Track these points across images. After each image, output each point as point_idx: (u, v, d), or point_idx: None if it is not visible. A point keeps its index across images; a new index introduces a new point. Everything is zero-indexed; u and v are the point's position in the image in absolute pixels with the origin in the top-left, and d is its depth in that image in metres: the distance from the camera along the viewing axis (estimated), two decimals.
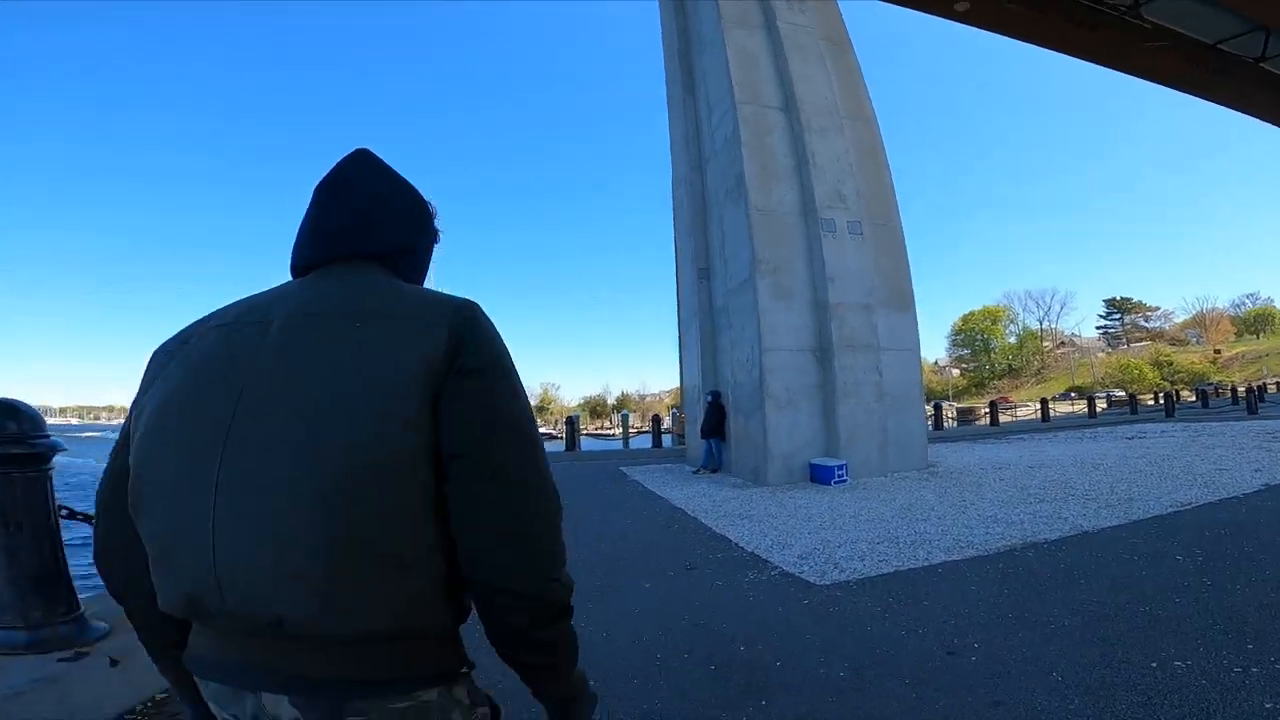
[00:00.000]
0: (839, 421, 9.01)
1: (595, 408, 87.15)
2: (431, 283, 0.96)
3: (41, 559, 2.36)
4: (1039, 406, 24.37)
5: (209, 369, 0.71)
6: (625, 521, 6.48)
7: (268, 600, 0.63)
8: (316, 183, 0.85)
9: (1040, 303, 75.76)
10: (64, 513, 2.59)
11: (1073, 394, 52.70)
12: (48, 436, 2.43)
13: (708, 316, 11.82)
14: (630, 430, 22.84)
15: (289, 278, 0.86)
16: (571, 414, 20.04)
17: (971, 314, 76.25)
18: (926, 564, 4.40)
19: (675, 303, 30.43)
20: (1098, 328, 78.51)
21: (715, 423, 10.68)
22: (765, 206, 9.81)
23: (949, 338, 76.43)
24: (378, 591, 0.65)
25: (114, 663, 2.20)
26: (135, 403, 0.76)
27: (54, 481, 2.51)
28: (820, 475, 8.59)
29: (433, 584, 0.68)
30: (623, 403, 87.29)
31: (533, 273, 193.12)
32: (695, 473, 10.66)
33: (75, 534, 2.65)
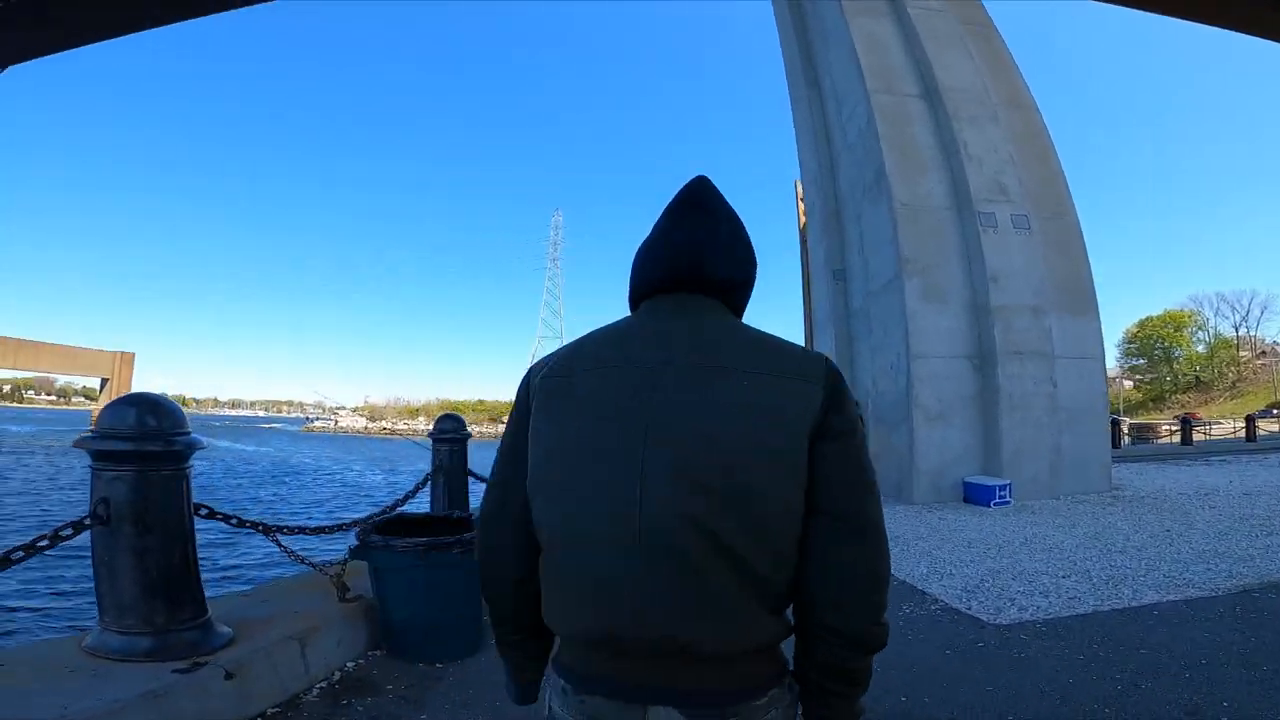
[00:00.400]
0: (1001, 437, 8.09)
1: None
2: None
3: (170, 561, 2.22)
4: (1244, 424, 20.69)
5: (607, 411, 0.80)
6: None
7: (679, 630, 0.74)
8: (684, 192, 0.91)
9: (1235, 307, 64.39)
10: (203, 512, 2.50)
11: (1275, 410, 44.30)
12: (187, 433, 2.31)
13: (843, 321, 11.20)
14: None
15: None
16: None
17: (1150, 319, 66.51)
18: (1134, 604, 3.75)
19: (802, 309, 29.76)
20: None
21: None
22: (910, 201, 9.10)
23: (1120, 346, 67.22)
24: (768, 619, 0.78)
25: (229, 676, 2.14)
26: (532, 430, 0.85)
27: (191, 479, 2.38)
28: (977, 495, 7.75)
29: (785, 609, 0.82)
30: None
31: None
32: None
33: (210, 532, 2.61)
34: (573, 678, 0.82)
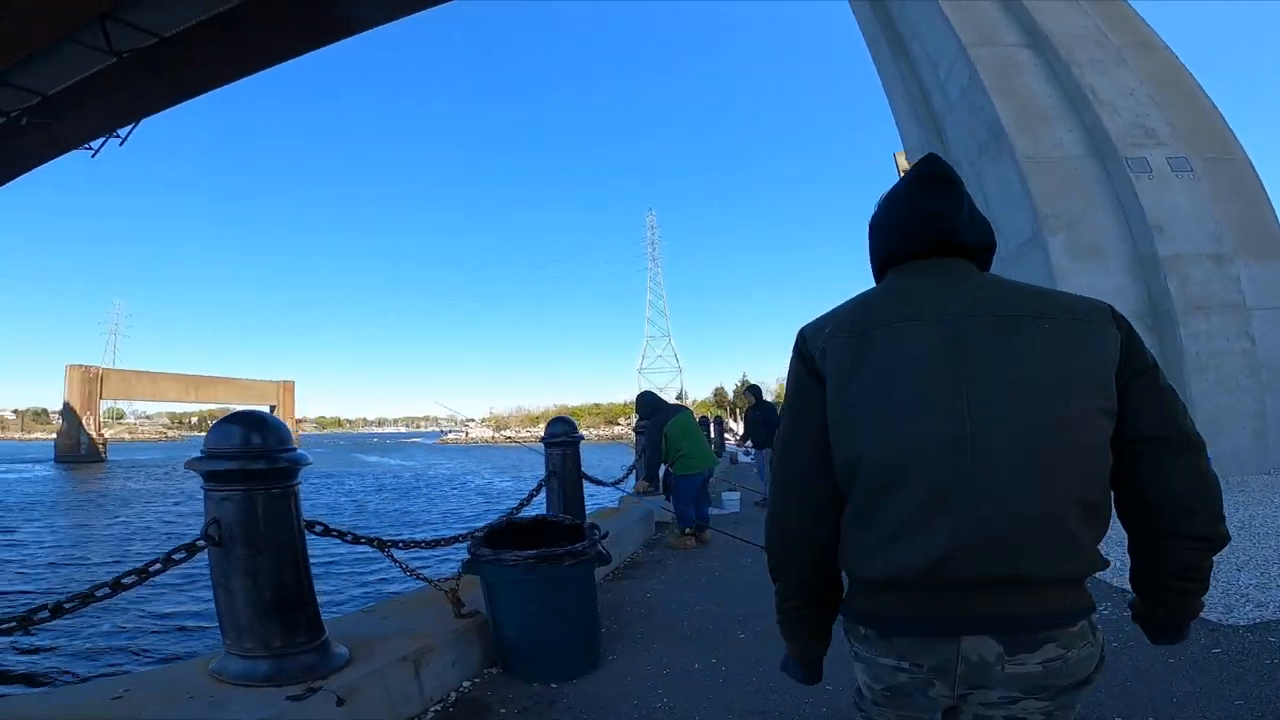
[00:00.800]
0: (1192, 404, 6.82)
1: None
2: None
3: (283, 581, 2.17)
4: None
5: (918, 361, 0.83)
6: None
7: (1011, 555, 0.76)
8: (916, 171, 0.98)
9: None
10: (318, 529, 2.48)
11: None
12: (292, 450, 2.25)
13: None
14: None
15: None
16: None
17: None
18: None
19: None
20: None
21: None
22: (1036, 154, 8.18)
23: None
24: (1093, 545, 0.80)
25: (340, 702, 2.08)
26: (830, 387, 0.87)
27: (300, 498, 2.32)
28: None
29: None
30: None
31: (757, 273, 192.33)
32: None
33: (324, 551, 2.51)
34: (879, 622, 0.85)
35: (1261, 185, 7.89)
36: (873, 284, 1.02)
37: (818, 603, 0.96)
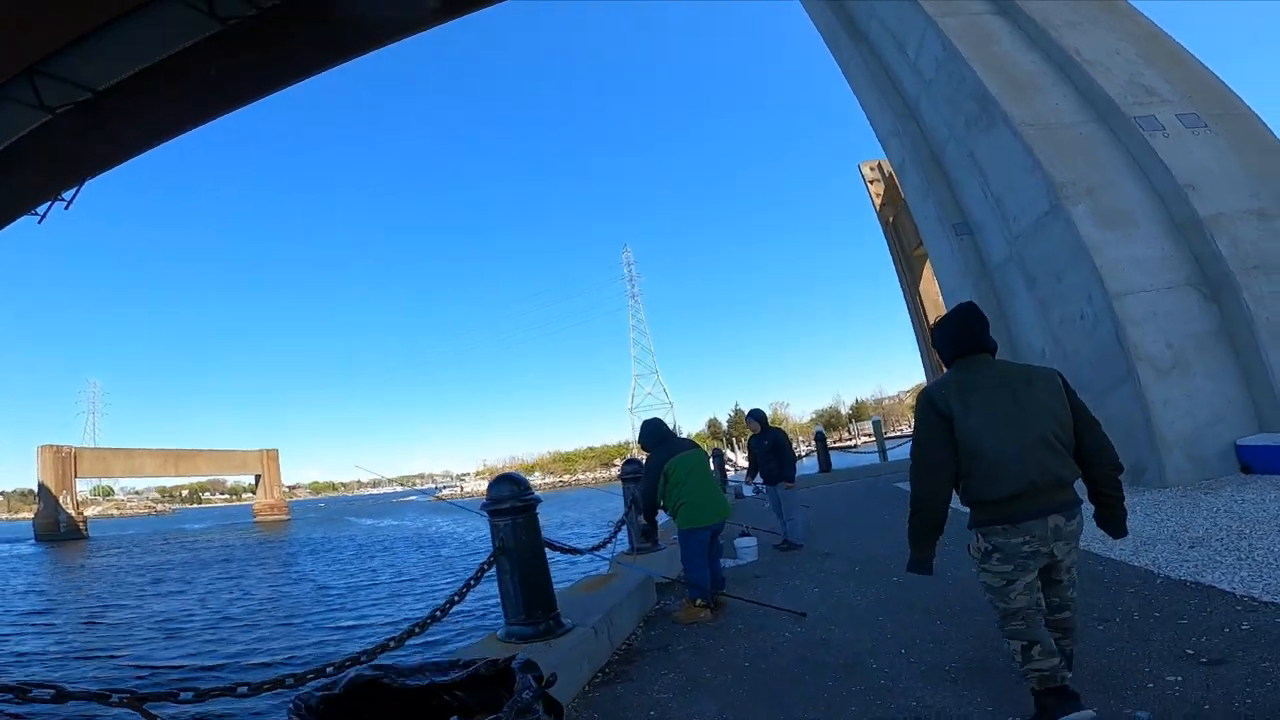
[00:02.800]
0: (1274, 376, 5.78)
1: (830, 420, 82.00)
2: None
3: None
4: None
5: (999, 402, 2.07)
6: (970, 572, 4.27)
7: (1060, 473, 2.02)
8: (963, 312, 2.28)
9: None
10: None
11: None
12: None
13: (983, 280, 9.23)
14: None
15: None
16: (816, 429, 17.64)
17: None
18: None
19: (901, 288, 27.02)
20: None
21: None
22: (1035, 120, 7.54)
23: None
24: (1074, 475, 2.07)
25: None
26: (967, 419, 2.07)
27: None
28: (1268, 461, 5.51)
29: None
30: (860, 410, 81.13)
31: (733, 293, 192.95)
32: None
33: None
34: (1012, 517, 2.01)
35: (1275, 136, 7.18)
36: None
37: (939, 527, 2.17)
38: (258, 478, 71.81)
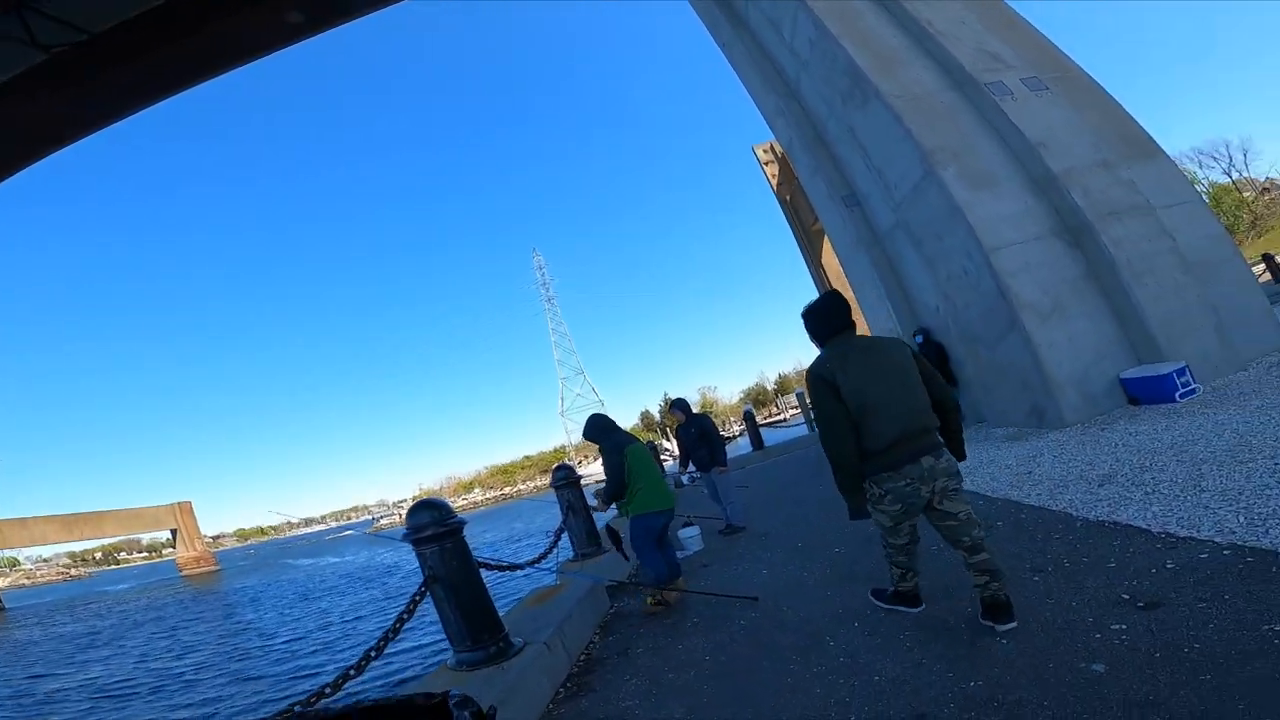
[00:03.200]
0: (1142, 313, 6.37)
1: (758, 398, 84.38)
2: None
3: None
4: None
5: (870, 365, 2.60)
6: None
7: (924, 421, 2.57)
8: (828, 299, 2.84)
9: (1217, 156, 60.80)
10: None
11: None
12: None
13: (875, 247, 9.67)
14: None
15: None
16: (745, 408, 18.04)
17: None
18: None
19: (805, 263, 27.99)
20: None
21: (938, 366, 8.40)
22: (903, 92, 7.97)
23: None
24: (934, 421, 2.64)
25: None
26: (848, 385, 2.56)
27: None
28: (1150, 391, 5.99)
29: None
30: (784, 385, 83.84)
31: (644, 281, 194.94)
32: None
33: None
34: (894, 462, 2.53)
35: (1109, 95, 7.88)
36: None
37: (860, 474, 2.60)
38: (173, 532, 66.70)
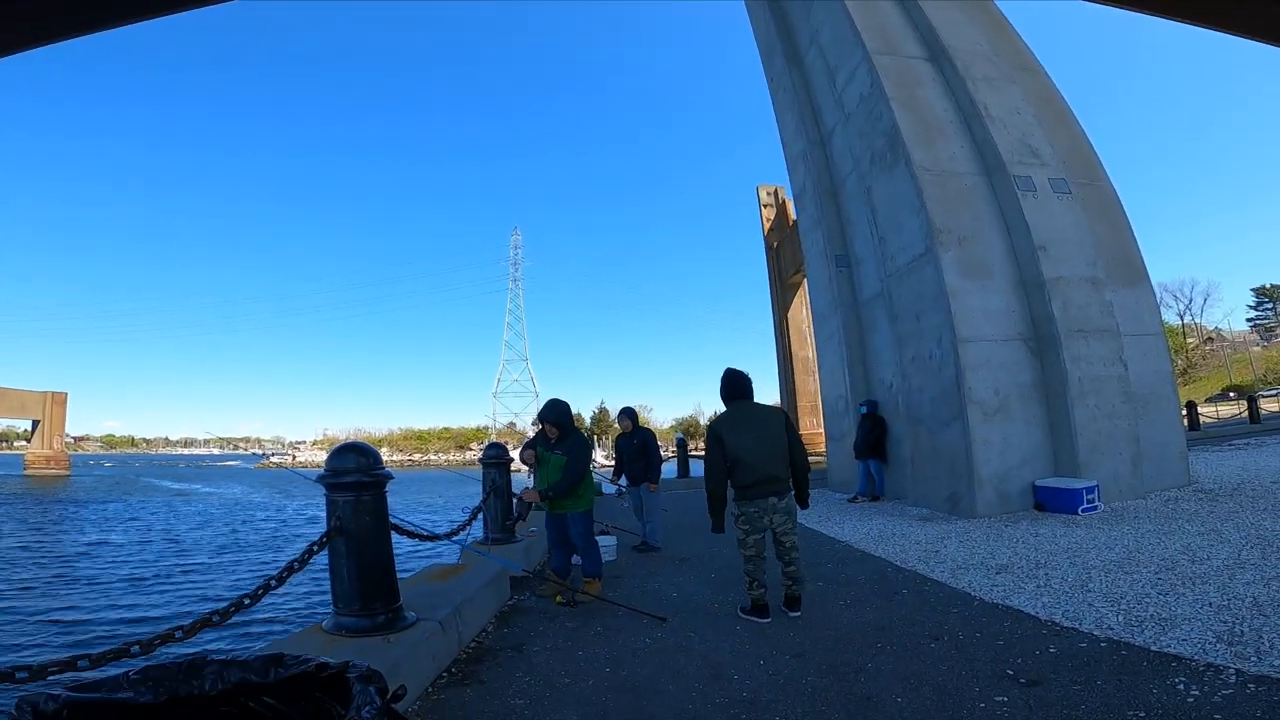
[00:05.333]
0: (1075, 430, 6.68)
1: (689, 428, 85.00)
2: None
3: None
4: (1245, 406, 19.81)
5: (751, 429, 3.78)
6: (817, 585, 4.42)
7: (777, 472, 3.75)
8: (734, 373, 4.06)
9: (1178, 296, 64.75)
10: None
11: (1231, 394, 44.62)
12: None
13: (851, 311, 9.86)
14: None
15: None
16: (678, 435, 18.10)
17: None
18: None
19: (771, 312, 28.35)
20: (1248, 320, 66.04)
21: (874, 440, 8.66)
22: (933, 166, 7.94)
23: None
24: (787, 473, 3.81)
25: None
26: (731, 439, 3.75)
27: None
28: (1058, 501, 6.30)
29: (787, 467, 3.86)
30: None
31: (600, 293, 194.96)
32: (851, 500, 8.74)
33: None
34: (751, 496, 3.73)
35: (1124, 212, 8.16)
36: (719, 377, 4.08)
37: (724, 502, 3.78)
38: (35, 423, 61.47)
